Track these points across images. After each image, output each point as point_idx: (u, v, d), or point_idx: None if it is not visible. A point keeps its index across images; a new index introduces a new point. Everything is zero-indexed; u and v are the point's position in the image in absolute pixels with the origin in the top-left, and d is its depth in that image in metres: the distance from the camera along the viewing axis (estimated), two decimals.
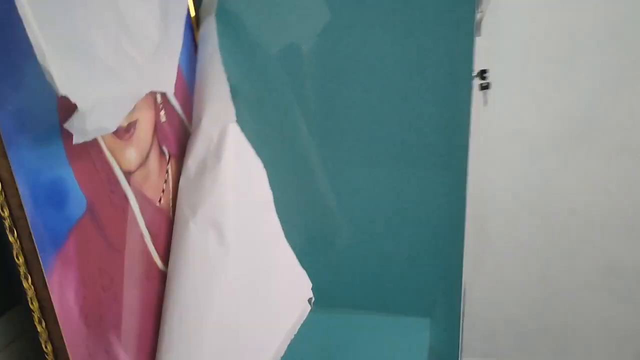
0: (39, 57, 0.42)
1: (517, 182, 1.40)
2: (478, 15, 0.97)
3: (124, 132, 0.59)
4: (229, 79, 0.79)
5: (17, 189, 0.46)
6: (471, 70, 0.74)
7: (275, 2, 0.73)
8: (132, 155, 0.60)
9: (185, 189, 0.68)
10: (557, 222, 1.42)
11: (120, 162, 0.59)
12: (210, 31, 0.74)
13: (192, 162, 0.69)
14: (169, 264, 0.66)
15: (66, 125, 0.47)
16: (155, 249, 0.64)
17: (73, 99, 0.45)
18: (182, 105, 0.71)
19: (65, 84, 0.44)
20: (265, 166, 0.84)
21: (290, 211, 0.87)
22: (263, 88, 0.79)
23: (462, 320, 0.91)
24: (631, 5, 1.21)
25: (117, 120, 0.52)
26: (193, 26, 0.75)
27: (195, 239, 0.65)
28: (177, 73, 0.71)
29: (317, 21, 0.73)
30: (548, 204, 1.40)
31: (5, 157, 0.45)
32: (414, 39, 0.72)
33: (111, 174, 0.57)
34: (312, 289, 0.79)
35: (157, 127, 0.65)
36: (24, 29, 0.41)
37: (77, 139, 0.48)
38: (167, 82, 0.63)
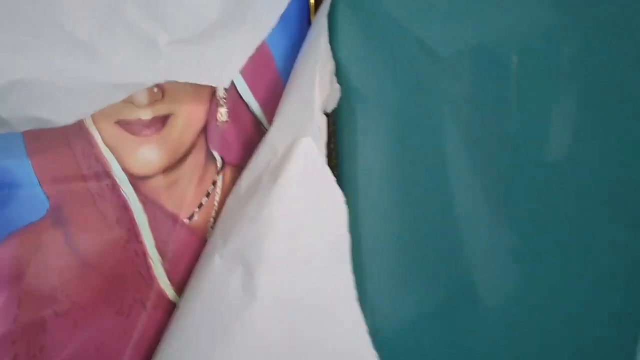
0: None
1: None
2: None
3: (143, 127, 0.48)
4: (344, 79, 0.63)
5: None
6: None
7: None
8: (150, 155, 0.49)
9: (229, 210, 0.54)
10: None
11: (127, 162, 0.47)
12: (322, 18, 0.58)
13: (246, 178, 0.54)
14: (181, 299, 0.53)
15: None
16: (168, 274, 0.52)
17: None
18: (264, 106, 0.57)
19: None
20: (388, 205, 0.67)
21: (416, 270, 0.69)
22: (405, 99, 0.61)
23: None
24: None
25: (75, 112, 0.40)
26: (310, 7, 0.60)
27: (217, 276, 0.51)
28: (268, 64, 0.57)
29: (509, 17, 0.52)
30: None
31: None
32: None
33: (104, 175, 0.46)
34: None
35: (208, 127, 0.52)
36: None
37: None
38: (219, 73, 0.49)
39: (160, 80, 0.45)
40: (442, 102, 0.58)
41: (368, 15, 0.61)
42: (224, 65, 0.50)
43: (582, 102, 0.49)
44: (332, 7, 0.63)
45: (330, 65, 0.63)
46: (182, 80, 0.47)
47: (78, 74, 0.39)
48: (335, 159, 0.69)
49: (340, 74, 0.65)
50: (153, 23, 0.43)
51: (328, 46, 0.62)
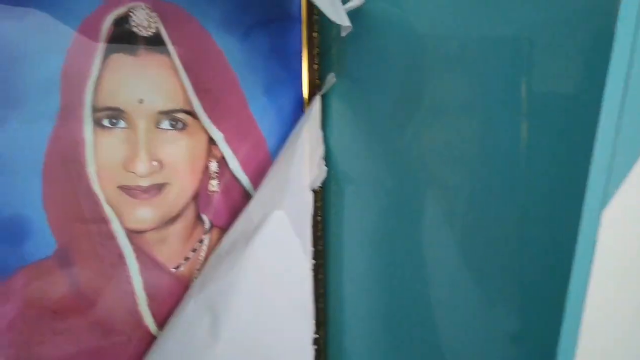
0: None
1: None
2: None
3: (142, 192, 0.60)
4: (334, 162, 0.73)
5: None
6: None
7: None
8: (145, 216, 0.61)
9: (209, 265, 0.65)
10: None
11: (124, 219, 0.59)
12: (314, 109, 0.69)
13: (226, 240, 0.65)
14: (160, 333, 0.64)
15: None
16: (153, 312, 0.63)
17: None
18: (254, 180, 0.68)
19: None
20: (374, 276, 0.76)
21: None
22: (389, 183, 0.70)
23: None
24: None
25: None
26: (304, 100, 0.71)
27: (189, 318, 0.62)
28: (261, 147, 0.69)
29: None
30: None
31: None
32: None
33: (105, 227, 0.58)
34: None
35: (199, 195, 0.64)
36: None
37: None
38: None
39: None
40: (429, 186, 0.66)
41: (359, 106, 0.71)
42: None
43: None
44: (325, 99, 0.74)
45: (320, 150, 0.74)
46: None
47: None
48: (322, 230, 0.78)
49: (329, 157, 0.75)
50: None
51: (320, 132, 0.73)
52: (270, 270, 0.64)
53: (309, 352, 0.67)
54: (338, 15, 0.59)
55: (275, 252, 0.64)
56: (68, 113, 0.55)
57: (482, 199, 0.62)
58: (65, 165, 0.55)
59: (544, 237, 0.57)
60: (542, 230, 0.57)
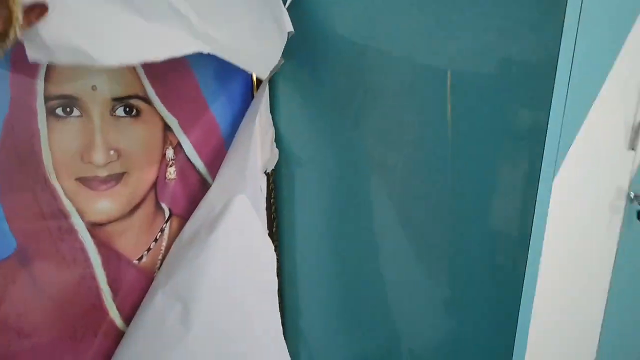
0: None
1: None
2: None
3: (100, 183, 0.58)
4: (284, 144, 0.73)
5: None
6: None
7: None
8: (105, 207, 0.58)
9: (172, 254, 0.64)
10: None
11: (84, 212, 0.57)
12: (264, 93, 0.69)
13: (188, 229, 0.64)
14: (128, 327, 0.62)
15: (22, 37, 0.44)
16: (118, 307, 0.61)
17: None
18: (210, 166, 0.67)
19: None
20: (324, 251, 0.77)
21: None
22: (337, 163, 0.71)
23: None
24: None
25: (117, 55, 0.48)
26: (253, 84, 0.71)
27: (158, 309, 0.61)
28: (214, 132, 0.68)
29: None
30: None
31: None
32: None
33: (65, 222, 0.56)
34: None
35: (157, 184, 0.63)
36: None
37: (30, 55, 0.46)
38: (259, 66, 0.61)
39: (200, 49, 0.54)
40: (372, 167, 0.68)
41: (305, 90, 0.72)
42: (263, 60, 0.61)
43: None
44: (273, 82, 0.74)
45: (271, 133, 0.74)
46: (222, 56, 0.57)
47: (128, 22, 0.48)
48: (275, 212, 0.79)
49: (279, 139, 0.75)
50: (193, 9, 0.53)
51: (269, 116, 0.73)
52: (236, 255, 0.63)
53: (279, 333, 0.67)
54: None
55: (240, 237, 0.64)
56: (20, 103, 0.52)
57: (421, 176, 0.65)
58: (20, 159, 0.52)
59: (482, 209, 0.61)
60: (478, 203, 0.61)
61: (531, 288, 0.60)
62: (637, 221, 0.84)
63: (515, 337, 0.61)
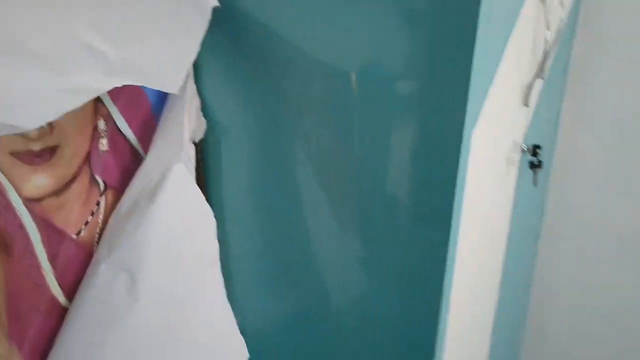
0: None
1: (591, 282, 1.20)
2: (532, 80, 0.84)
3: (34, 157, 0.56)
4: (210, 114, 0.74)
5: None
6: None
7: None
8: (41, 181, 0.57)
9: (111, 227, 0.63)
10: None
11: (20, 187, 0.55)
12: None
13: (126, 200, 0.64)
14: (72, 303, 0.61)
15: None
16: (60, 283, 0.60)
17: None
18: (141, 137, 0.67)
19: None
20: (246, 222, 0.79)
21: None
22: (261, 130, 0.73)
23: None
24: None
25: (37, 118, 0.48)
26: None
27: (103, 281, 0.60)
28: (143, 103, 0.67)
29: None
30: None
31: None
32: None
33: (2, 198, 0.54)
34: None
35: (91, 156, 0.61)
36: None
37: None
38: (168, 80, 0.60)
39: (116, 84, 0.54)
40: (293, 132, 0.71)
41: (228, 59, 0.73)
42: (171, 72, 0.60)
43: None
44: (198, 52, 0.74)
45: (196, 102, 0.74)
46: (137, 83, 0.57)
47: (39, 84, 0.47)
48: (204, 180, 0.80)
49: (205, 109, 0.76)
50: (100, 37, 0.51)
51: (194, 85, 0.73)
52: (177, 222, 0.64)
53: (224, 297, 0.69)
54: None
55: (181, 205, 0.64)
56: None
57: (338, 140, 0.69)
58: None
59: (401, 168, 0.66)
60: (397, 164, 0.67)
61: (454, 242, 0.66)
62: (529, 170, 0.94)
63: (441, 287, 0.67)
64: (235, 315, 0.74)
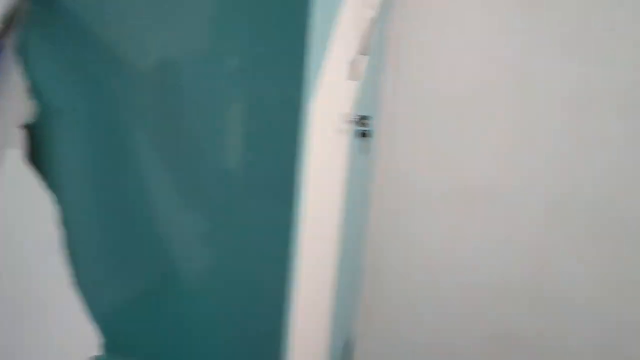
0: None
1: (415, 241, 1.33)
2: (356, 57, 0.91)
3: None
4: (39, 95, 0.71)
5: None
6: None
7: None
8: None
9: None
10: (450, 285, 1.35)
11: None
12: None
13: None
14: None
15: None
16: None
17: None
18: None
19: None
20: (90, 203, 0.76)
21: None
22: (93, 110, 0.71)
23: None
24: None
25: None
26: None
27: None
28: None
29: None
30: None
31: None
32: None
33: None
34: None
35: None
36: None
37: None
38: None
39: None
40: (128, 111, 0.70)
41: (57, 38, 0.70)
42: None
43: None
44: (22, 32, 0.70)
45: (22, 84, 0.70)
46: None
47: None
48: (37, 165, 0.76)
49: (34, 90, 0.72)
50: None
51: (18, 67, 0.69)
52: (14, 211, 0.61)
53: (68, 286, 0.67)
54: None
55: (16, 193, 0.62)
56: None
57: (171, 111, 0.70)
58: None
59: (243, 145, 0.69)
60: (240, 139, 0.70)
61: (296, 214, 0.70)
62: (359, 140, 1.02)
63: (286, 257, 0.72)
64: (85, 300, 0.72)
